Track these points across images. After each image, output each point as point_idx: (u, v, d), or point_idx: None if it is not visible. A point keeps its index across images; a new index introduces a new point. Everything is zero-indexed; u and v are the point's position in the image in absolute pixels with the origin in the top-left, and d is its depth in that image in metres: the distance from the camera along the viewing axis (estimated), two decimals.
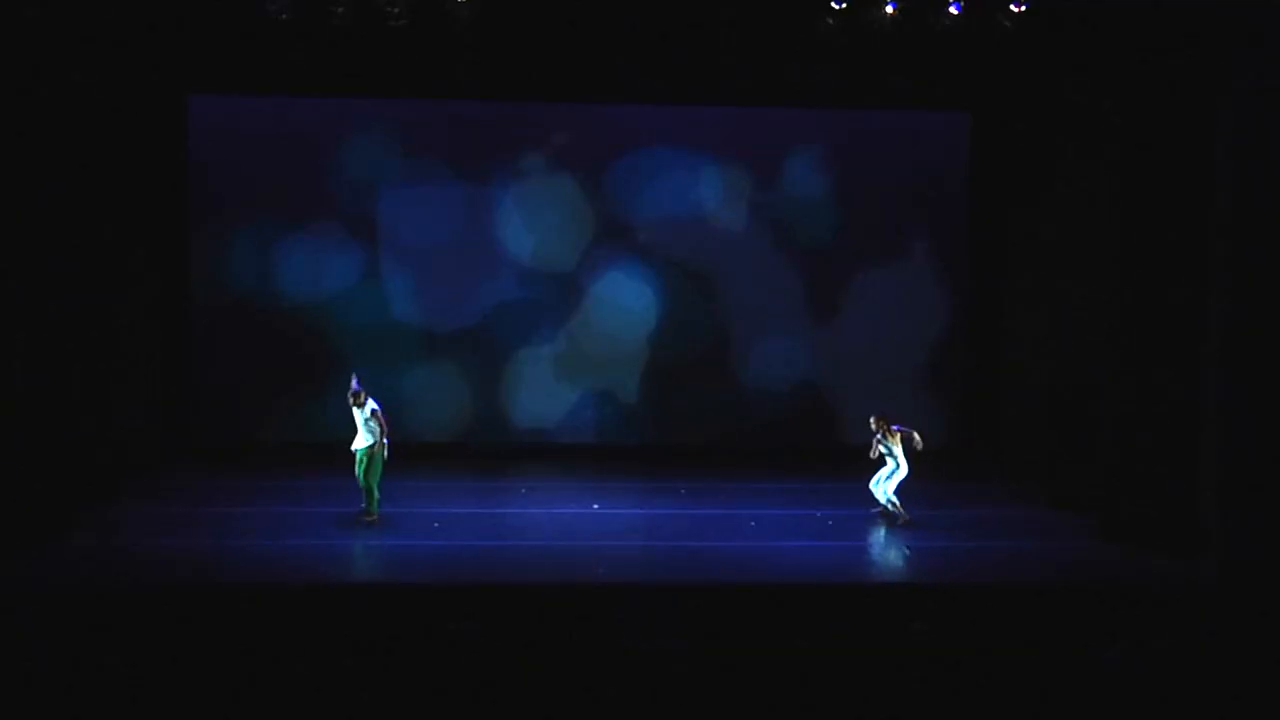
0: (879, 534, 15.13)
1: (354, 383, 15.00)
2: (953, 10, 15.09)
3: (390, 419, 15.00)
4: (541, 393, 18.82)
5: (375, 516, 14.91)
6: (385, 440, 14.78)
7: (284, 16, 15.02)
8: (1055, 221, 16.68)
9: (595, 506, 16.07)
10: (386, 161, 18.42)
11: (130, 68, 16.05)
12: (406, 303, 18.60)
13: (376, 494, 14.91)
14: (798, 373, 18.84)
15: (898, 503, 15.25)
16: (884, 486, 15.30)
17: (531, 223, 18.65)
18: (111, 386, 15.84)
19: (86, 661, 9.95)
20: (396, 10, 15.16)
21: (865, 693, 9.51)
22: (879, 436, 15.24)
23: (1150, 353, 14.45)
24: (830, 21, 15.29)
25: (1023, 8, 14.99)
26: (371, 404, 14.81)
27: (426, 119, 18.47)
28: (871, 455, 15.34)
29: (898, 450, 15.22)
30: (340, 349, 18.25)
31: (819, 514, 15.82)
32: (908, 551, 14.47)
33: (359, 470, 14.85)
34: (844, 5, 15.03)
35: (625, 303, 18.80)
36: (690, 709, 9.22)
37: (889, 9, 15.09)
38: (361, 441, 14.81)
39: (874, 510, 15.45)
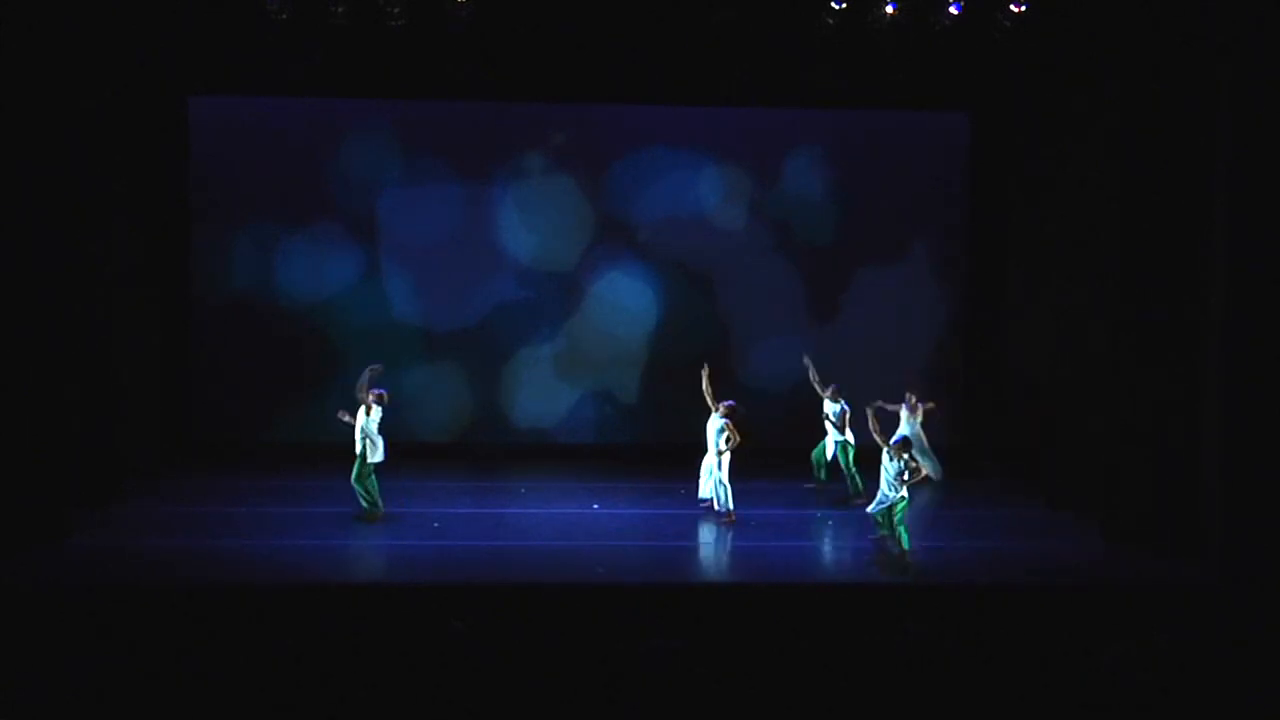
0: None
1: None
2: (953, 10, 15.11)
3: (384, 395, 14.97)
4: (541, 393, 18.82)
5: (377, 516, 14.91)
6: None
7: (284, 16, 15.04)
8: (1055, 221, 16.67)
9: (595, 506, 16.07)
10: (386, 161, 18.43)
11: (130, 68, 16.04)
12: (406, 303, 18.60)
13: (373, 494, 14.88)
14: (798, 372, 18.79)
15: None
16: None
17: (531, 223, 18.65)
18: (111, 387, 15.83)
19: (87, 662, 9.93)
20: (396, 10, 15.18)
21: (864, 693, 9.50)
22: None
23: (1151, 353, 14.43)
24: (830, 21, 15.30)
25: (1023, 8, 15.01)
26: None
27: (426, 119, 18.47)
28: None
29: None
30: (340, 349, 18.25)
31: (819, 514, 15.83)
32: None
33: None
34: (844, 5, 15.04)
35: (625, 302, 18.80)
36: (690, 709, 9.21)
37: (889, 9, 15.10)
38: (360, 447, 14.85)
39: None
